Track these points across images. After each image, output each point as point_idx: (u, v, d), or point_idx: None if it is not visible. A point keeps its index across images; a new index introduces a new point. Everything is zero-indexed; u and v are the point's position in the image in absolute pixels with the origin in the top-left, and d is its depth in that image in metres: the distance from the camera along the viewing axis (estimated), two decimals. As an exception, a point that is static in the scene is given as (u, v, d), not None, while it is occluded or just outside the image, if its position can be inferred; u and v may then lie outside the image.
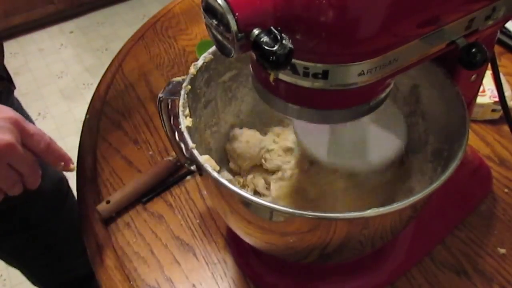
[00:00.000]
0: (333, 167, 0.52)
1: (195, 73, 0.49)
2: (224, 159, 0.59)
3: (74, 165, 0.54)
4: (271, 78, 0.36)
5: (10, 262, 0.88)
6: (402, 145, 0.51)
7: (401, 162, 0.55)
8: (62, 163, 0.52)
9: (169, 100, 0.50)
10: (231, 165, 0.58)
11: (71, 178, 0.81)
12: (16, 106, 0.77)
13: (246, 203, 0.40)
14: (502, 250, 0.58)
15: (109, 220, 0.65)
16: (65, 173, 0.87)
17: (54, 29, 2.46)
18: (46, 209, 0.81)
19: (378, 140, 0.51)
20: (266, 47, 0.30)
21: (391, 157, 0.50)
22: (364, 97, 0.38)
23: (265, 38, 0.31)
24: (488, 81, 0.72)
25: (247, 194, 0.38)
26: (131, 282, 0.58)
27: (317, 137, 0.51)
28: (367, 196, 0.53)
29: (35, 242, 0.83)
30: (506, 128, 0.58)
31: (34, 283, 0.98)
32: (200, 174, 0.48)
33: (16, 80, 0.75)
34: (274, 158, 0.57)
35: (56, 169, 0.52)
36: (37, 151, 0.49)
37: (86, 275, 0.91)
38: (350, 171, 0.52)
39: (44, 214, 0.81)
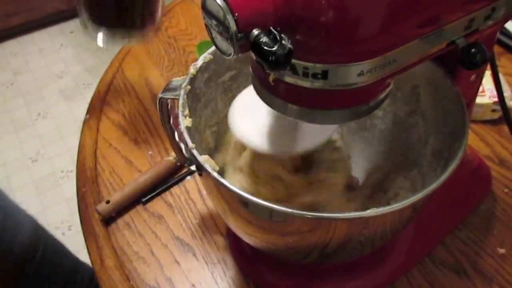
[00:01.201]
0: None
1: (195, 73, 0.49)
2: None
3: None
4: (271, 78, 0.36)
5: None
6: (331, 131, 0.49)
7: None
8: None
9: (169, 100, 0.50)
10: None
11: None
12: None
13: (246, 203, 0.40)
14: (502, 250, 0.58)
15: (109, 220, 0.65)
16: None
17: (54, 29, 2.46)
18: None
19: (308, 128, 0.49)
20: (265, 48, 0.30)
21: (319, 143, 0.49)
22: (364, 97, 0.38)
23: (264, 39, 0.31)
24: (487, 81, 0.72)
25: (247, 194, 0.38)
26: (131, 282, 0.58)
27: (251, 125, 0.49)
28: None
29: None
30: (506, 128, 0.58)
31: None
32: (200, 174, 0.48)
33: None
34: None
35: None
36: None
37: None
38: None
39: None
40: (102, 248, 0.62)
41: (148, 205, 0.66)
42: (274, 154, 0.48)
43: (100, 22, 0.59)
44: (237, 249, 0.60)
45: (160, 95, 0.49)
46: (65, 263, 0.90)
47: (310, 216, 0.37)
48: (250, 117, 0.49)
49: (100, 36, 0.60)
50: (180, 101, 0.47)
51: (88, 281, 0.93)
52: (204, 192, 0.67)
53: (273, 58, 0.30)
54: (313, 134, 0.49)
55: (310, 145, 0.48)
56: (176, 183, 0.69)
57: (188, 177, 0.69)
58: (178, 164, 0.70)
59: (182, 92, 0.47)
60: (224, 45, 0.34)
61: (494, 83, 0.52)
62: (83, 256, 0.93)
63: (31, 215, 0.84)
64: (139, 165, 0.72)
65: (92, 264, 0.61)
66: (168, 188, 0.68)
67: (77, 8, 0.58)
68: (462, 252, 0.59)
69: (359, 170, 0.58)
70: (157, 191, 0.68)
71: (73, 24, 2.48)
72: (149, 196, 0.67)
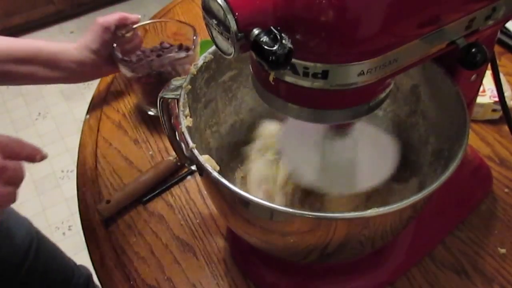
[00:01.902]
0: (320, 192, 0.50)
1: (195, 73, 0.49)
2: (225, 159, 0.59)
3: (45, 152, 0.54)
4: (271, 78, 0.36)
5: None
6: (390, 169, 0.49)
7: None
8: (38, 156, 0.53)
9: (169, 100, 0.50)
10: None
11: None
12: None
13: (246, 203, 0.40)
14: (502, 250, 0.58)
15: (109, 220, 0.65)
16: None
17: (54, 29, 2.46)
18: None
19: (366, 164, 0.49)
20: (265, 47, 0.30)
21: (379, 182, 0.49)
22: (364, 97, 0.38)
23: (264, 38, 0.31)
24: (488, 81, 0.72)
25: (247, 194, 0.38)
26: (131, 282, 0.58)
27: (302, 159, 0.49)
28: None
29: None
30: (506, 128, 0.58)
31: None
32: (200, 174, 0.48)
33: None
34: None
35: (33, 162, 0.53)
36: (18, 157, 0.50)
37: None
38: (338, 196, 0.51)
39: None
40: (102, 248, 0.62)
41: (149, 205, 0.66)
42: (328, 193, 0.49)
43: (148, 104, 0.78)
44: (237, 249, 0.60)
45: (160, 95, 0.49)
46: (60, 265, 0.88)
47: (310, 216, 0.37)
48: (302, 150, 0.49)
49: (153, 111, 0.79)
50: (181, 101, 0.47)
51: (84, 285, 0.92)
52: (205, 192, 0.67)
53: (273, 58, 0.30)
54: (370, 174, 0.48)
55: (369, 185, 0.48)
56: (176, 183, 0.69)
57: (189, 177, 0.69)
58: (178, 164, 0.70)
59: (182, 92, 0.47)
60: (225, 44, 0.34)
61: (494, 83, 0.52)
62: (84, 256, 0.93)
63: (26, 217, 0.83)
64: (139, 165, 0.72)
65: (93, 264, 0.61)
66: (168, 188, 0.68)
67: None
68: (462, 252, 0.58)
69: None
70: (157, 191, 0.68)
71: (73, 24, 2.48)
72: (149, 196, 0.67)
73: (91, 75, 0.79)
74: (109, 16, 0.74)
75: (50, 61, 0.72)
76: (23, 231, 0.79)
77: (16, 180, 0.49)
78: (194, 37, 0.74)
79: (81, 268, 0.94)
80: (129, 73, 0.73)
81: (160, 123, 0.53)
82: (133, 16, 0.76)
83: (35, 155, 0.52)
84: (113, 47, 0.73)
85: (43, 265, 0.82)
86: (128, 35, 0.76)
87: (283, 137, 0.51)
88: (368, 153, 0.49)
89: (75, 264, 0.93)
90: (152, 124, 0.78)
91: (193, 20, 1.00)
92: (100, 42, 0.73)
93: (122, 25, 0.74)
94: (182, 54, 0.74)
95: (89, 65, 0.74)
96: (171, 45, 0.80)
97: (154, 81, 0.73)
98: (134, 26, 0.76)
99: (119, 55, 0.73)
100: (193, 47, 0.73)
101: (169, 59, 0.72)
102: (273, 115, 0.60)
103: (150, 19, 1.02)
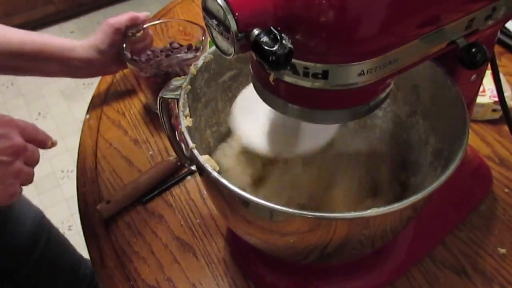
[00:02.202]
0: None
1: (195, 73, 0.49)
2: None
3: (55, 139, 0.58)
4: (271, 78, 0.36)
5: None
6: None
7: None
8: (50, 142, 0.57)
9: (169, 100, 0.50)
10: None
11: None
12: None
13: (246, 203, 0.40)
14: (502, 250, 0.58)
15: (109, 220, 0.65)
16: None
17: (54, 29, 2.46)
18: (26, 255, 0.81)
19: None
20: (265, 47, 0.30)
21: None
22: (364, 97, 0.38)
23: (265, 38, 0.31)
24: (488, 81, 0.72)
25: (247, 194, 0.38)
26: (131, 282, 0.58)
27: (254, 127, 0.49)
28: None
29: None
30: (506, 128, 0.58)
31: None
32: (200, 174, 0.48)
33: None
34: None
35: (44, 148, 0.56)
36: (34, 142, 0.54)
37: None
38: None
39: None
40: (102, 248, 0.62)
41: (149, 205, 0.66)
42: (274, 156, 0.48)
43: (155, 103, 0.75)
44: (237, 249, 0.60)
45: (160, 95, 0.49)
46: (68, 256, 0.91)
47: (310, 216, 0.37)
48: (251, 117, 0.49)
49: None
50: (181, 101, 0.47)
51: (90, 275, 0.94)
52: (204, 192, 0.67)
53: (274, 58, 0.30)
54: (313, 138, 0.48)
55: (310, 148, 0.48)
56: (176, 183, 0.69)
57: (189, 177, 0.69)
58: (178, 164, 0.70)
59: (182, 92, 0.47)
60: (225, 44, 0.34)
61: (494, 83, 0.52)
62: (84, 255, 0.94)
63: (37, 207, 0.86)
64: (139, 165, 0.72)
65: (93, 264, 0.61)
66: (168, 188, 0.68)
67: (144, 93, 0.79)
68: (462, 252, 0.58)
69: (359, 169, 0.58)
70: (157, 191, 0.68)
71: (73, 24, 2.48)
72: (149, 196, 0.67)
73: (97, 73, 0.80)
74: (120, 17, 0.74)
75: (57, 58, 0.73)
76: (35, 220, 0.82)
77: (33, 161, 0.53)
78: (203, 38, 0.74)
79: (88, 261, 0.95)
80: (137, 72, 0.73)
81: (160, 123, 0.53)
82: (142, 14, 0.76)
83: (47, 141, 0.56)
84: (123, 46, 0.73)
85: (53, 254, 0.84)
86: (138, 34, 0.76)
87: (234, 108, 0.51)
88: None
89: (82, 256, 0.95)
90: (152, 124, 0.78)
91: (193, 20, 1.00)
92: (109, 42, 0.74)
93: (133, 24, 0.75)
94: (190, 54, 0.74)
95: (96, 64, 0.75)
96: (181, 46, 0.80)
97: (160, 81, 0.73)
98: (145, 26, 0.76)
99: (128, 55, 0.73)
100: (202, 47, 0.74)
101: (177, 60, 0.72)
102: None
103: (149, 20, 1.02)
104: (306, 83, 0.35)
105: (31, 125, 0.54)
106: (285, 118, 0.40)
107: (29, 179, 0.53)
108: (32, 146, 0.53)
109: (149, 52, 0.78)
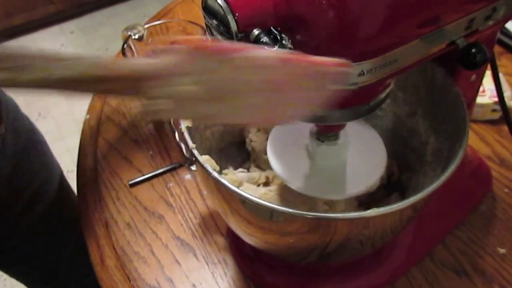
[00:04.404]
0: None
1: (195, 73, 0.49)
2: (223, 159, 0.59)
3: None
4: (271, 78, 0.36)
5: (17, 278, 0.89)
6: (381, 173, 0.48)
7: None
8: None
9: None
10: None
11: (71, 178, 0.81)
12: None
13: (246, 203, 0.40)
14: (502, 250, 0.58)
15: (109, 220, 0.65)
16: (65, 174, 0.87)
17: (54, 29, 2.46)
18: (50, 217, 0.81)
19: (356, 169, 0.48)
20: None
21: (370, 187, 0.48)
22: (364, 97, 0.38)
23: (265, 39, 0.31)
24: (488, 81, 0.72)
25: (247, 194, 0.38)
26: (131, 282, 0.58)
27: (292, 164, 0.49)
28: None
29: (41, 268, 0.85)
30: (506, 128, 0.58)
31: None
32: (200, 174, 0.48)
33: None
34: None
35: None
36: None
37: None
38: (328, 201, 0.51)
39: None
40: (102, 248, 0.62)
41: (149, 205, 0.66)
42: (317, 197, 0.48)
43: None
44: (237, 249, 0.60)
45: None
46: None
47: (310, 216, 0.37)
48: (290, 156, 0.49)
49: None
50: (181, 101, 0.47)
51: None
52: (205, 192, 0.67)
53: (274, 58, 0.30)
54: (359, 180, 0.48)
55: (356, 191, 0.47)
56: (167, 171, 0.69)
57: (188, 177, 0.69)
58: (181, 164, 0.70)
59: (182, 92, 0.47)
60: (225, 45, 0.34)
61: (494, 83, 0.52)
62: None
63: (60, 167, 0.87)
64: (139, 165, 0.72)
65: (93, 264, 0.61)
66: (157, 176, 0.69)
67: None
68: (462, 252, 0.58)
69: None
70: (146, 176, 0.69)
71: (74, 24, 2.48)
72: (136, 180, 0.68)
73: None
74: None
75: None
76: (58, 176, 0.83)
77: None
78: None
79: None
80: None
81: (160, 123, 0.53)
82: None
83: None
84: (124, 48, 0.73)
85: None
86: (138, 35, 0.76)
87: (272, 141, 0.50)
88: (358, 157, 0.49)
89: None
90: (152, 124, 0.78)
91: (193, 20, 1.00)
92: None
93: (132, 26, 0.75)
94: None
95: None
96: None
97: None
98: (146, 26, 0.76)
99: (129, 55, 0.73)
100: None
101: None
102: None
103: (149, 19, 1.02)
104: (306, 83, 0.35)
105: None
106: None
107: None
108: None
109: (149, 52, 0.78)
